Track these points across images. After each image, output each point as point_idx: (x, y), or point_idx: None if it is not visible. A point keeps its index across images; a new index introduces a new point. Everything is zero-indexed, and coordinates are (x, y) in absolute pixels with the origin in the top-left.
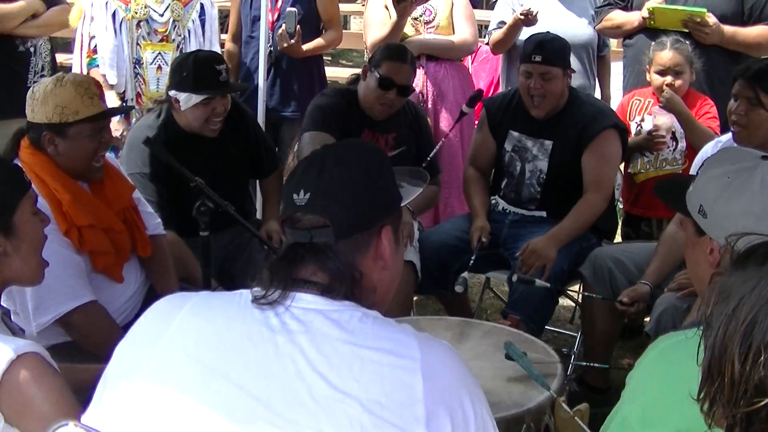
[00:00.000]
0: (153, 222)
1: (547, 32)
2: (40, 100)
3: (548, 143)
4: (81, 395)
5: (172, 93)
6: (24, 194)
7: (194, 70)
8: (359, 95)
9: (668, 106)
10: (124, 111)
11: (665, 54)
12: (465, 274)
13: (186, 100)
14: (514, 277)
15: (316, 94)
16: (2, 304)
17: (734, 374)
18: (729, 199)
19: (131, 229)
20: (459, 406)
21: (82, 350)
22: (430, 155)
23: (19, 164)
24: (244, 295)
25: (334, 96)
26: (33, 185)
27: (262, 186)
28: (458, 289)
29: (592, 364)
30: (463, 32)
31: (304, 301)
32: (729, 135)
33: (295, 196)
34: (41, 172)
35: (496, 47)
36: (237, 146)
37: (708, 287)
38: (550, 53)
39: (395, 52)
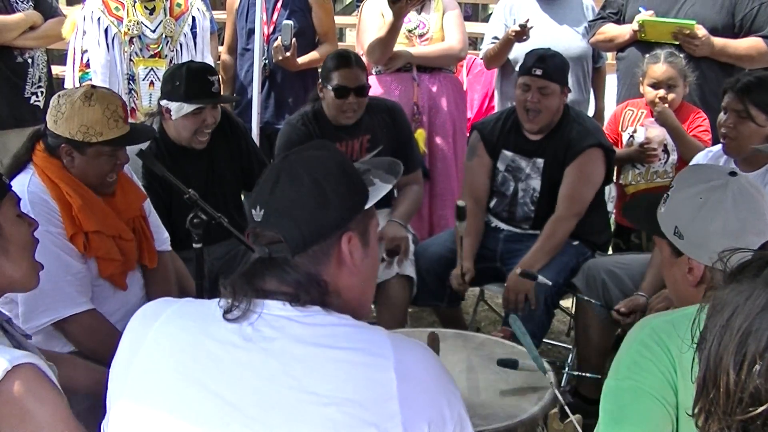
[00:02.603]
0: (161, 237)
1: (548, 48)
2: (66, 115)
3: (540, 161)
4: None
5: (163, 102)
6: (4, 196)
7: (186, 79)
8: (325, 113)
9: (660, 120)
10: (150, 137)
11: (659, 67)
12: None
13: (177, 109)
14: (518, 270)
15: (285, 122)
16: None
17: (729, 384)
18: (704, 220)
19: (139, 238)
20: (435, 404)
21: (87, 358)
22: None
23: (32, 166)
24: (220, 303)
25: (300, 126)
26: (43, 185)
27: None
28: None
29: (584, 374)
30: (451, 39)
31: (275, 308)
32: (720, 146)
33: (253, 211)
34: (53, 176)
35: (490, 62)
36: (228, 158)
37: (701, 301)
38: (550, 68)
39: (339, 60)
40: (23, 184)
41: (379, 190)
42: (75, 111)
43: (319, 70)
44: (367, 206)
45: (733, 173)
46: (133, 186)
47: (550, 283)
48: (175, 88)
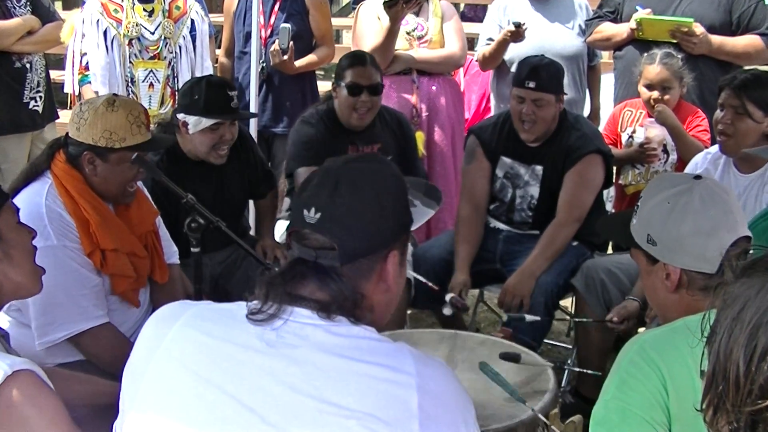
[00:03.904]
0: (170, 250)
1: (542, 56)
2: (89, 122)
3: (539, 168)
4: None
5: (180, 116)
6: (3, 204)
7: (206, 93)
8: (337, 114)
9: (660, 119)
10: (170, 142)
11: (653, 68)
12: (449, 296)
13: (195, 123)
14: (505, 317)
15: (299, 119)
16: (9, 317)
17: (739, 376)
18: (675, 223)
19: (151, 254)
20: (453, 424)
21: (94, 369)
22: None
23: (51, 177)
24: (242, 307)
25: (315, 123)
26: (60, 200)
27: (257, 204)
28: (446, 311)
29: (586, 371)
30: (452, 46)
31: (301, 316)
32: (717, 146)
33: (305, 212)
34: (72, 189)
35: (485, 64)
36: (238, 170)
37: (712, 296)
38: (544, 79)
39: (354, 59)
40: (40, 194)
41: (422, 214)
42: (98, 117)
43: (317, 72)
44: (413, 227)
45: (698, 177)
46: (147, 201)
47: (538, 318)
48: (194, 102)
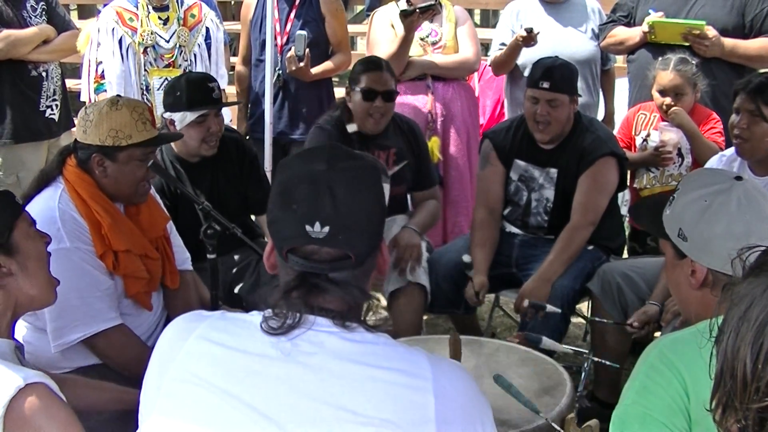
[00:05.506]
0: (182, 257)
1: (556, 57)
2: (94, 122)
3: (553, 171)
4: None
5: (166, 115)
6: (18, 216)
7: (187, 89)
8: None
9: (676, 121)
10: (176, 138)
11: (666, 75)
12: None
13: (181, 119)
14: (526, 302)
15: (314, 125)
16: (26, 323)
17: (746, 374)
18: (709, 222)
19: (162, 258)
20: (470, 427)
21: (111, 372)
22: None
23: (63, 182)
24: (256, 316)
25: (331, 128)
26: (73, 203)
27: (259, 221)
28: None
29: (605, 362)
30: (466, 51)
31: (317, 324)
32: (733, 149)
33: (308, 227)
34: (83, 193)
35: (498, 68)
36: (232, 179)
37: (720, 296)
38: (558, 80)
39: (370, 64)
40: (53, 199)
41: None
42: (103, 117)
43: (333, 79)
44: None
45: (738, 177)
46: (158, 206)
47: (559, 311)
48: (176, 99)
